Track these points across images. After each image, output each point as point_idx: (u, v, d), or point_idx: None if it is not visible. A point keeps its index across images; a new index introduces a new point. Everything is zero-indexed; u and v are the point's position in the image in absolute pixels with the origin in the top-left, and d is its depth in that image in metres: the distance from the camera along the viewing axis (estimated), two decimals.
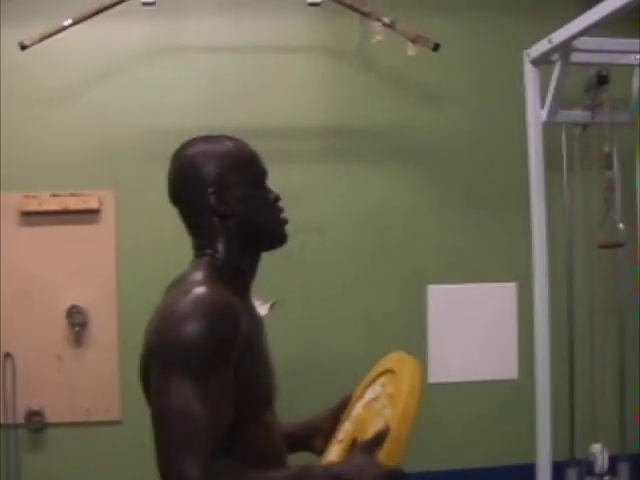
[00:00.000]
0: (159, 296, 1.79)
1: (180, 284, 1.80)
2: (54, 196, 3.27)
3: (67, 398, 3.26)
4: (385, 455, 1.68)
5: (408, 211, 3.48)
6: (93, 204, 3.28)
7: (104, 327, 3.25)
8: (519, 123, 3.06)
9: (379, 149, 3.46)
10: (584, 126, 3.12)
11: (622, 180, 3.14)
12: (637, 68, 3.06)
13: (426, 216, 3.49)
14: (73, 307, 3.27)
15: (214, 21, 3.40)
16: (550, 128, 3.08)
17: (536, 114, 3.03)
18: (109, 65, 3.34)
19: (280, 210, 1.96)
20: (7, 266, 3.27)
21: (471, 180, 3.50)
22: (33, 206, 3.26)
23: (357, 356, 3.33)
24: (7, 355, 3.26)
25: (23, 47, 2.97)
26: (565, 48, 2.83)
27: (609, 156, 3.01)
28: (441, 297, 3.47)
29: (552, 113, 3.02)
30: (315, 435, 2.16)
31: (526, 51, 3.03)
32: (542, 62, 3.01)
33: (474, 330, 3.48)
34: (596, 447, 3.10)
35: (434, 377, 3.42)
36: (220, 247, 1.88)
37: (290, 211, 3.33)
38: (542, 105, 3.03)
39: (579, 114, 3.11)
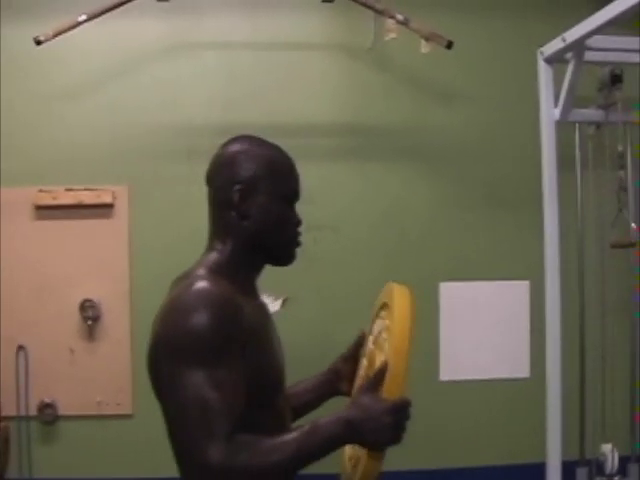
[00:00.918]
0: None
1: (185, 279, 1.85)
2: (68, 190, 3.29)
3: (79, 391, 3.29)
4: (387, 391, 1.70)
5: (421, 209, 3.48)
6: (107, 199, 3.30)
7: (117, 321, 3.27)
8: (533, 122, 3.05)
9: (393, 147, 3.46)
10: (598, 125, 3.10)
11: (635, 180, 3.14)
12: None
13: (439, 214, 3.49)
14: (86, 301, 3.29)
15: (229, 18, 3.41)
16: (564, 127, 3.08)
17: (549, 113, 3.03)
18: (123, 62, 3.37)
19: (297, 234, 2.02)
20: (21, 260, 3.31)
21: (485, 179, 3.50)
22: (47, 200, 3.29)
23: None
24: (20, 348, 3.28)
25: (38, 42, 2.99)
26: (578, 47, 2.82)
27: (622, 155, 2.99)
28: (453, 295, 3.46)
29: (565, 112, 3.01)
30: (339, 380, 2.23)
31: (540, 49, 3.02)
32: (556, 61, 3.00)
33: (486, 328, 3.48)
34: (606, 447, 3.10)
35: (445, 375, 3.45)
36: (229, 244, 1.94)
37: (304, 208, 3.35)
38: (556, 104, 3.03)
39: (592, 113, 3.09)
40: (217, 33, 3.40)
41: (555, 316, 3.01)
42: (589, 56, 2.89)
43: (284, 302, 3.28)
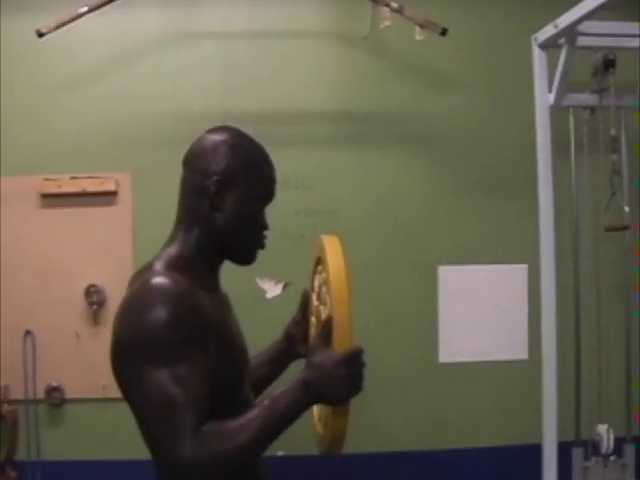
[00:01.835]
0: None
1: (141, 275, 1.88)
2: (73, 179, 3.35)
3: (85, 375, 3.34)
4: (337, 344, 1.73)
5: (419, 194, 3.51)
6: (110, 186, 3.35)
7: None
8: (528, 107, 3.09)
9: (390, 133, 3.49)
10: (592, 110, 3.13)
11: (629, 163, 3.17)
12: None
13: (437, 199, 3.51)
14: (91, 286, 3.35)
15: (226, 7, 3.44)
16: (559, 112, 3.11)
17: (544, 98, 3.06)
18: (124, 51, 3.41)
19: (262, 237, 2.04)
20: (27, 247, 3.37)
21: (482, 164, 3.52)
22: (52, 189, 3.34)
23: (368, 336, 3.37)
24: (27, 333, 3.35)
25: (40, 35, 3.03)
26: (571, 32, 2.86)
27: (615, 139, 3.02)
28: (452, 278, 3.49)
29: (559, 97, 3.04)
30: (295, 345, 2.28)
31: (534, 35, 3.05)
32: (550, 46, 3.03)
33: (485, 311, 3.51)
34: (602, 428, 3.13)
35: (444, 357, 3.48)
36: (194, 234, 1.96)
37: (303, 194, 3.41)
38: (550, 89, 3.06)
39: (586, 97, 3.11)
40: (215, 22, 3.44)
41: (550, 298, 3.05)
42: (582, 41, 2.92)
43: (285, 286, 3.33)
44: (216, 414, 1.71)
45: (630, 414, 3.21)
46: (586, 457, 3.15)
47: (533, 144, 3.07)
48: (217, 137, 1.99)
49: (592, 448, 3.15)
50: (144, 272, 1.89)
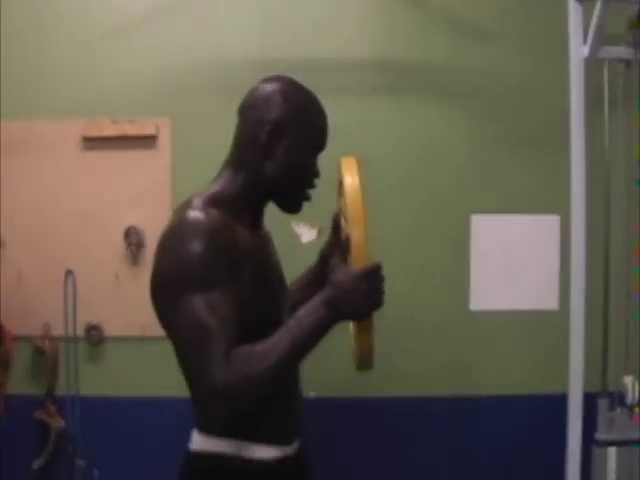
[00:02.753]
0: None
1: (180, 210, 1.95)
2: (114, 123, 3.43)
3: (124, 314, 3.45)
4: (355, 261, 1.79)
5: (456, 146, 3.53)
6: (150, 130, 3.42)
7: None
8: (564, 60, 3.07)
9: (428, 86, 3.52)
10: (627, 63, 3.12)
11: None
12: None
13: (472, 150, 3.54)
14: (130, 228, 3.43)
15: None
16: (594, 65, 3.10)
17: (578, 50, 3.05)
18: (164, 3, 3.47)
19: (311, 185, 2.10)
20: (69, 189, 3.47)
21: (518, 116, 3.53)
22: (94, 132, 3.42)
23: (402, 281, 3.44)
24: (68, 272, 3.45)
25: None
26: None
27: None
28: (484, 227, 3.53)
29: (594, 49, 3.03)
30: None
31: None
32: None
33: (516, 260, 3.54)
34: (628, 379, 3.16)
35: (475, 305, 3.52)
36: (240, 178, 2.03)
37: (338, 143, 3.44)
38: (585, 42, 3.07)
39: (622, 50, 3.09)
40: None
41: (580, 250, 3.06)
42: None
43: (320, 231, 3.38)
44: (253, 341, 1.77)
45: None
46: (611, 408, 3.17)
47: (568, 97, 3.08)
48: (270, 87, 2.04)
49: (618, 399, 3.18)
50: (183, 207, 1.95)
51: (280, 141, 2.00)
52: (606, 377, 3.19)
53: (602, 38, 3.01)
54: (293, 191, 2.08)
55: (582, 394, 3.07)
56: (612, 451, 3.12)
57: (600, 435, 3.13)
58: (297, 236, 3.40)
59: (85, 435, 3.46)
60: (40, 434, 3.44)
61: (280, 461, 2.04)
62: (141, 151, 3.45)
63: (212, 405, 1.76)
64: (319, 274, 2.33)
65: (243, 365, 1.72)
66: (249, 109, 2.05)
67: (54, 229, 3.46)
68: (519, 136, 3.54)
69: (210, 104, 3.38)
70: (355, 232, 1.80)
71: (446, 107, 3.52)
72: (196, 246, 1.79)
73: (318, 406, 3.20)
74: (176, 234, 1.86)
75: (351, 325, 1.97)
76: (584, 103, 3.04)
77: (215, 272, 1.79)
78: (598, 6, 2.91)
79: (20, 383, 3.45)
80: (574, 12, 3.05)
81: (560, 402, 3.11)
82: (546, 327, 3.52)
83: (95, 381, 3.49)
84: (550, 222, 3.53)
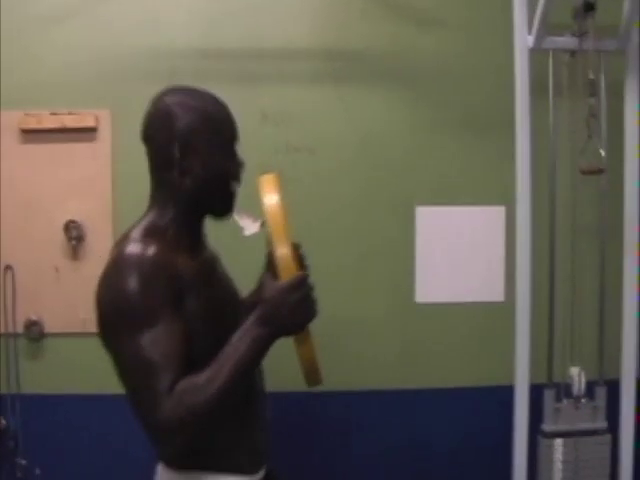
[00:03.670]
0: None
1: (120, 243, 1.94)
2: (53, 114, 3.34)
3: (64, 309, 3.37)
4: (282, 276, 1.80)
5: (399, 133, 3.49)
6: (90, 122, 3.34)
7: (100, 241, 3.33)
8: (509, 48, 3.07)
9: (371, 71, 3.47)
10: (572, 53, 3.12)
11: (607, 107, 3.16)
12: None
13: (416, 139, 3.50)
14: (70, 222, 3.35)
15: None
16: (539, 54, 3.10)
17: (523, 39, 3.04)
18: None
19: (238, 178, 2.09)
20: (8, 183, 3.37)
21: (463, 104, 3.51)
22: (33, 124, 3.33)
23: (346, 275, 3.43)
24: (7, 267, 3.37)
25: None
26: None
27: (593, 83, 3.01)
28: (429, 219, 3.50)
29: (539, 39, 3.03)
30: None
31: None
32: None
33: (462, 252, 3.52)
34: (574, 370, 3.18)
35: (421, 297, 3.50)
36: (170, 209, 2.00)
37: (282, 131, 3.41)
38: (530, 31, 3.06)
39: (566, 41, 3.09)
40: None
41: (526, 241, 3.06)
42: None
43: (263, 224, 3.32)
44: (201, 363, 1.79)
45: (602, 357, 3.24)
46: (558, 399, 3.19)
47: (513, 85, 3.06)
48: (161, 105, 2.03)
49: (564, 390, 3.20)
50: (122, 241, 1.94)
51: (193, 151, 1.97)
52: (552, 368, 3.20)
53: (547, 28, 3.00)
54: (222, 193, 2.07)
55: (528, 385, 3.08)
56: (559, 442, 3.15)
57: (546, 426, 3.15)
58: (240, 228, 3.33)
59: (26, 433, 3.39)
60: None
61: None
62: (81, 143, 3.37)
63: (165, 440, 1.78)
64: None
65: (188, 396, 1.73)
66: (152, 134, 2.04)
67: None
68: (464, 125, 3.51)
69: (151, 94, 3.29)
70: (278, 249, 1.81)
71: (390, 95, 3.47)
72: (136, 282, 1.79)
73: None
74: (116, 270, 1.85)
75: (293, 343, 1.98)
76: (529, 93, 3.04)
77: (157, 306, 1.79)
78: None
79: None
80: (519, 2, 3.04)
81: (507, 394, 3.11)
82: (492, 319, 3.51)
83: (36, 378, 3.42)
84: (495, 213, 3.52)
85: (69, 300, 3.36)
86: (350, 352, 3.41)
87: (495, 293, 3.53)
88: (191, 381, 1.75)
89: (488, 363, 3.53)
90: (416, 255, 3.51)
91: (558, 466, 3.15)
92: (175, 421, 1.71)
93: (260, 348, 1.80)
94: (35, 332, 3.39)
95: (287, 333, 1.82)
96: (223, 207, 2.09)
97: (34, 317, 3.39)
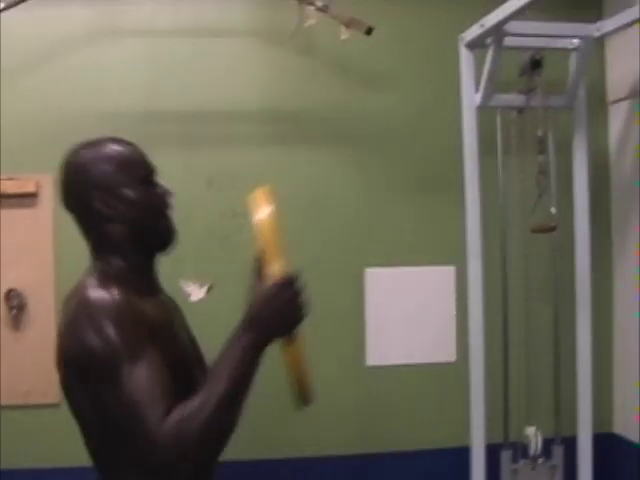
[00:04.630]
0: None
1: (77, 292, 1.86)
2: None
3: (6, 381, 3.23)
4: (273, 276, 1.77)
5: (347, 195, 3.45)
6: (30, 188, 3.25)
7: (42, 310, 3.23)
8: (457, 108, 3.07)
9: (319, 134, 3.43)
10: (520, 110, 3.12)
11: (556, 164, 3.16)
12: (573, 53, 3.08)
13: (365, 200, 3.46)
14: (11, 290, 3.25)
15: (153, 5, 3.34)
16: (487, 112, 3.10)
17: (470, 98, 3.05)
18: (47, 49, 3.29)
19: (167, 206, 2.03)
20: None
21: (411, 165, 3.48)
22: None
23: None
24: None
25: None
26: (497, 32, 2.84)
27: (542, 140, 3.02)
28: (379, 280, 3.45)
29: (486, 97, 3.03)
30: None
31: (460, 35, 3.04)
32: (477, 46, 3.02)
33: (412, 313, 3.47)
34: (530, 430, 3.16)
35: (372, 360, 3.44)
36: (111, 252, 1.95)
37: (228, 195, 3.36)
38: (477, 89, 3.05)
39: (514, 98, 3.11)
40: (141, 20, 3.34)
41: (477, 300, 3.04)
42: (510, 41, 2.91)
43: (209, 289, 3.27)
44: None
45: (559, 415, 3.22)
46: (515, 460, 3.16)
47: (462, 145, 3.06)
48: (68, 167, 1.99)
49: (521, 450, 3.17)
50: (80, 289, 1.87)
51: (114, 197, 1.92)
52: (508, 428, 3.17)
53: (494, 86, 3.00)
54: (156, 223, 2.00)
55: (484, 447, 3.04)
56: None
57: None
58: (186, 295, 3.26)
59: None
60: None
61: None
62: (21, 209, 3.27)
63: (168, 474, 1.68)
64: None
65: (184, 423, 1.65)
66: (69, 199, 1.99)
67: None
68: (413, 185, 3.49)
69: None
70: (268, 255, 1.83)
71: (340, 156, 3.44)
72: (109, 325, 1.73)
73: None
74: (86, 315, 1.77)
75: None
76: (477, 151, 3.03)
77: (132, 346, 1.72)
78: (490, 54, 2.91)
79: None
80: (465, 60, 3.05)
81: (464, 455, 3.07)
82: (445, 379, 3.47)
83: None
84: (446, 273, 3.48)
85: (11, 372, 3.22)
86: (301, 417, 3.32)
87: (447, 353, 3.48)
88: (184, 408, 1.67)
89: (442, 425, 3.47)
90: (366, 317, 3.45)
91: None
92: (173, 451, 1.63)
93: (255, 355, 1.74)
94: None
95: (277, 334, 1.76)
96: (163, 237, 2.02)
97: None
